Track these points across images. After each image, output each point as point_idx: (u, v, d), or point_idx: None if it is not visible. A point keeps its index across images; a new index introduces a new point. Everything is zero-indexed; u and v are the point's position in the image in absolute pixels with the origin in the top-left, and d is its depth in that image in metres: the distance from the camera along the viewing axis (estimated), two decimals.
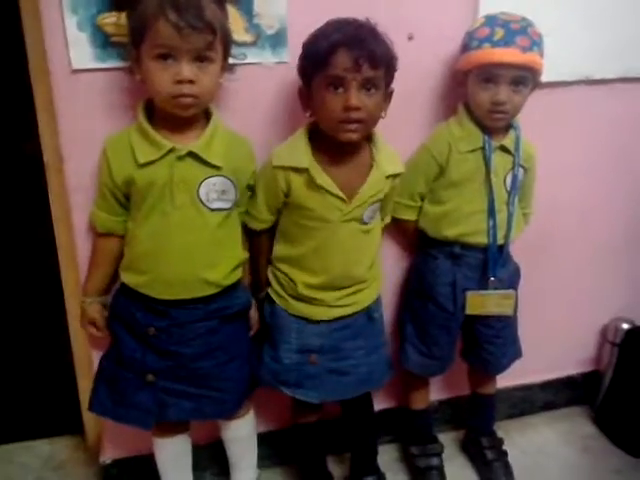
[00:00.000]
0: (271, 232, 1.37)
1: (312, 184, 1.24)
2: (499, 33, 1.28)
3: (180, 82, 1.11)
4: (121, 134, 1.22)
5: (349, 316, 1.36)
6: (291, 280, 1.33)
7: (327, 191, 1.24)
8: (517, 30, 1.28)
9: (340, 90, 1.17)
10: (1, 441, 1.74)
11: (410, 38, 1.38)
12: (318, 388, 1.35)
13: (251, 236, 1.38)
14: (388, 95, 1.25)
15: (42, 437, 1.75)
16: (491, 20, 1.31)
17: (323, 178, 1.24)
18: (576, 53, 1.52)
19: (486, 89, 1.31)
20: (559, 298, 1.77)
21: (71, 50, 1.20)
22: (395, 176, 1.33)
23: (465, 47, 1.35)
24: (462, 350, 1.61)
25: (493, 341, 1.52)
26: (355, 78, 1.15)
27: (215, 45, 1.13)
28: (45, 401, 1.72)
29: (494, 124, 1.36)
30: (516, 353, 1.58)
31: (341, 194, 1.25)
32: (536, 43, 1.29)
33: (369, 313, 1.40)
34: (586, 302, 1.81)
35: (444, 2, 1.41)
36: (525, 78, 1.30)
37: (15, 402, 1.72)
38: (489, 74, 1.30)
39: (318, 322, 1.34)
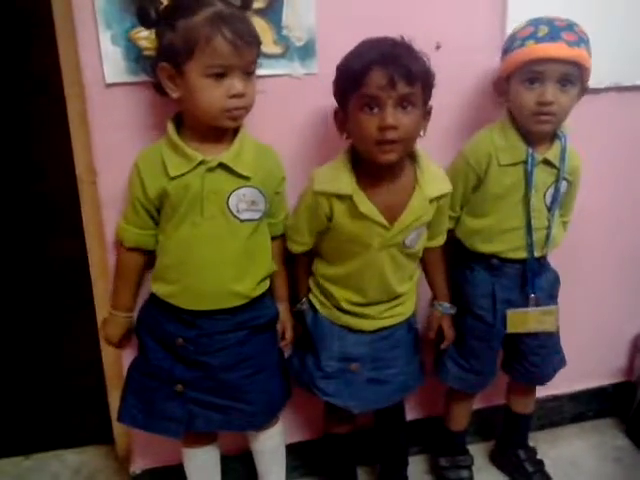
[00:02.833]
0: (310, 254, 1.37)
1: (355, 211, 1.22)
2: (544, 30, 1.23)
3: (234, 96, 1.14)
4: (152, 148, 1.24)
5: (390, 327, 1.36)
6: (333, 296, 1.34)
7: (370, 219, 1.22)
8: (563, 27, 1.23)
9: (375, 110, 1.14)
10: (32, 450, 1.75)
11: (438, 47, 1.38)
12: (357, 397, 1.35)
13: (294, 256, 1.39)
14: (427, 113, 1.22)
15: (73, 447, 1.77)
16: (535, 20, 1.26)
17: (367, 206, 1.21)
18: (605, 60, 1.48)
19: (531, 90, 1.25)
20: (589, 307, 1.75)
21: (105, 64, 1.22)
22: (440, 198, 1.29)
23: (507, 49, 1.29)
24: (502, 362, 1.56)
25: (538, 352, 1.48)
26: (390, 96, 1.12)
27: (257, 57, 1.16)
28: (76, 411, 1.74)
29: (540, 128, 1.28)
30: (561, 362, 1.54)
31: (384, 221, 1.23)
32: (583, 40, 1.24)
33: (410, 324, 1.41)
34: (617, 311, 1.79)
35: (472, 12, 1.40)
36: (572, 76, 1.24)
37: (46, 411, 1.74)
38: (534, 73, 1.24)
39: (360, 331, 1.35)
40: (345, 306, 1.33)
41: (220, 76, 1.12)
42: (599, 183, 1.62)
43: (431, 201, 1.26)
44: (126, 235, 1.28)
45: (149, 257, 1.31)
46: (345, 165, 1.24)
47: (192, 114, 1.19)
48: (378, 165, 1.20)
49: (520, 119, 1.31)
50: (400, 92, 1.12)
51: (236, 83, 1.13)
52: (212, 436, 1.41)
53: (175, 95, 1.17)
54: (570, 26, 1.24)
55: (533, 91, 1.25)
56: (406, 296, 1.37)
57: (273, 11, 1.27)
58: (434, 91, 1.22)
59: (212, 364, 1.26)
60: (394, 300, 1.35)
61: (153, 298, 1.30)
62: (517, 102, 1.29)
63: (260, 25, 1.26)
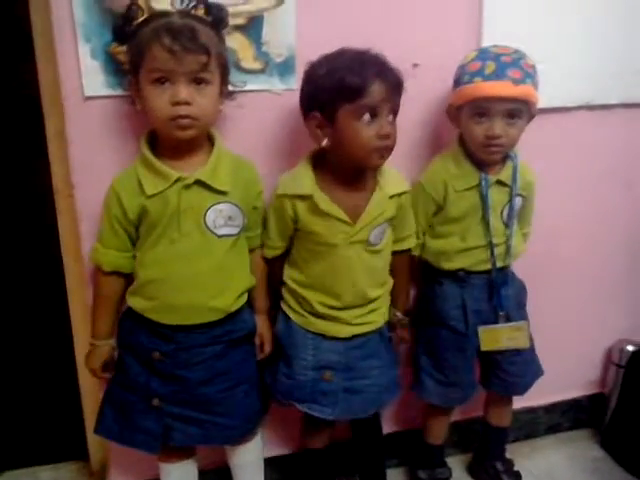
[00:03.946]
0: (283, 259, 1.39)
1: (317, 210, 1.25)
2: (490, 67, 1.26)
3: (177, 104, 1.13)
4: (128, 170, 1.23)
5: (364, 335, 1.36)
6: (307, 300, 1.33)
7: (332, 216, 1.25)
8: (509, 63, 1.26)
9: (370, 120, 1.18)
10: (6, 467, 1.72)
11: (415, 66, 1.40)
12: (333, 405, 1.35)
13: (266, 262, 1.39)
14: None
15: (46, 463, 1.73)
16: (483, 53, 1.31)
17: (327, 204, 1.25)
18: (576, 78, 1.54)
19: (480, 123, 1.30)
20: (563, 320, 1.77)
21: (84, 77, 1.22)
22: (400, 195, 1.33)
23: (457, 82, 1.34)
24: (480, 377, 1.57)
25: (514, 360, 1.50)
26: (386, 106, 1.19)
27: (210, 67, 1.14)
28: (50, 427, 1.71)
29: (490, 157, 1.35)
30: (538, 371, 1.56)
31: (346, 218, 1.26)
32: (529, 75, 1.27)
33: (382, 333, 1.41)
34: (591, 324, 1.82)
35: (448, 31, 1.43)
36: (519, 110, 1.29)
37: (20, 428, 1.71)
38: (482, 108, 1.29)
39: (334, 339, 1.34)
40: (320, 309, 1.32)
41: (161, 82, 1.12)
42: (571, 198, 1.66)
43: (391, 197, 1.30)
44: (105, 259, 1.25)
45: (127, 280, 1.29)
46: (306, 169, 1.27)
47: (154, 127, 1.20)
48: (345, 169, 1.26)
49: (471, 147, 1.36)
50: (394, 102, 1.21)
51: (181, 90, 1.12)
52: (190, 451, 1.40)
53: (139, 107, 1.18)
54: (516, 61, 1.27)
55: (482, 125, 1.30)
56: (378, 302, 1.37)
57: (253, 28, 1.28)
58: (412, 107, 1.30)
59: (189, 378, 1.26)
60: (368, 305, 1.35)
61: (130, 312, 1.29)
62: (468, 133, 1.34)
63: (240, 41, 1.28)
